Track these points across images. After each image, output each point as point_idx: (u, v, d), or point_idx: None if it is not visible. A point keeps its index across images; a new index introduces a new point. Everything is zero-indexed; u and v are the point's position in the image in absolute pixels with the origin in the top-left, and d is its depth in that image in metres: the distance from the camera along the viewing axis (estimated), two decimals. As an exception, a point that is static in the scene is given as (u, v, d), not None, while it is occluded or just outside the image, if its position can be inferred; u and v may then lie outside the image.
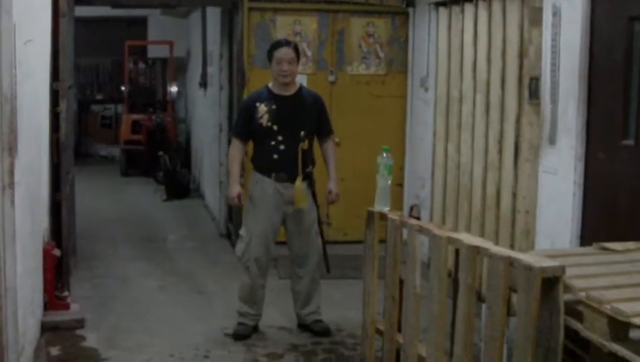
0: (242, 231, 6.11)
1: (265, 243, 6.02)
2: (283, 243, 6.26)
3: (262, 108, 5.92)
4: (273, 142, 5.89)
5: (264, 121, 5.90)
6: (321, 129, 6.10)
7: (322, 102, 6.19)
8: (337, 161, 6.26)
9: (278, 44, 6.02)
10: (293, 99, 6.00)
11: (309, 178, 5.98)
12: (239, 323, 6.08)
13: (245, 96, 6.32)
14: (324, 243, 6.16)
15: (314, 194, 6.07)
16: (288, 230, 6.11)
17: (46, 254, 5.91)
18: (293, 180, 5.90)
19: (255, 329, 6.13)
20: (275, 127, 5.90)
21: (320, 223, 6.18)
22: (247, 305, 6.09)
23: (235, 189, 6.00)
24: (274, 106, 5.92)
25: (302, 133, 5.88)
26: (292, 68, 5.95)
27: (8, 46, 4.28)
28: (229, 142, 9.24)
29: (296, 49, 6.03)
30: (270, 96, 5.98)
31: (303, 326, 6.17)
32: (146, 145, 15.01)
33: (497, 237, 6.50)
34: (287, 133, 5.89)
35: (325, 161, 6.19)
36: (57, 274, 6.20)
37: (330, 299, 6.73)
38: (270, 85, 6.06)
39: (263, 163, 5.99)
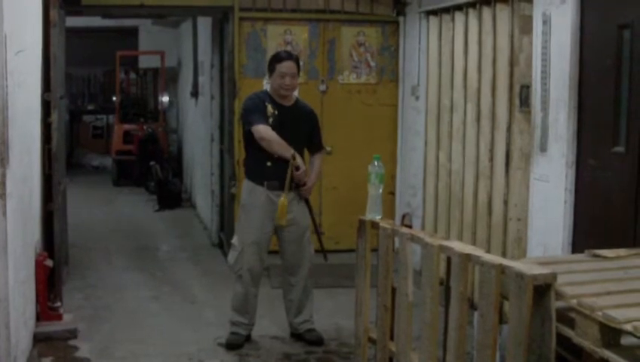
0: (234, 240, 6.10)
1: (258, 252, 6.01)
2: (275, 252, 6.27)
3: (269, 109, 5.92)
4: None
5: (269, 123, 5.89)
6: (313, 144, 6.16)
7: (317, 117, 6.25)
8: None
9: (280, 57, 6.01)
10: (292, 110, 6.01)
11: (298, 187, 5.99)
12: (232, 333, 6.07)
13: (251, 93, 6.26)
14: (320, 239, 6.26)
15: (307, 203, 6.08)
16: (280, 238, 6.10)
17: (38, 265, 5.90)
18: (283, 189, 5.89)
19: (248, 338, 6.12)
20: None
21: (317, 229, 6.23)
22: (240, 315, 6.09)
23: (291, 150, 5.84)
24: (276, 112, 5.92)
25: (293, 144, 5.88)
26: (294, 82, 5.97)
27: (-1, 57, 4.29)
28: (221, 153, 9.30)
29: (297, 62, 6.05)
30: (272, 102, 5.97)
31: (296, 336, 6.17)
32: (137, 156, 15.00)
33: (489, 244, 6.52)
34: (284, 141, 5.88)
35: (310, 165, 6.20)
36: (49, 285, 6.18)
37: (323, 307, 6.74)
38: (269, 92, 6.07)
39: (255, 170, 5.98)
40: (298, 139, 5.97)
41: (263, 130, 5.82)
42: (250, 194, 6.01)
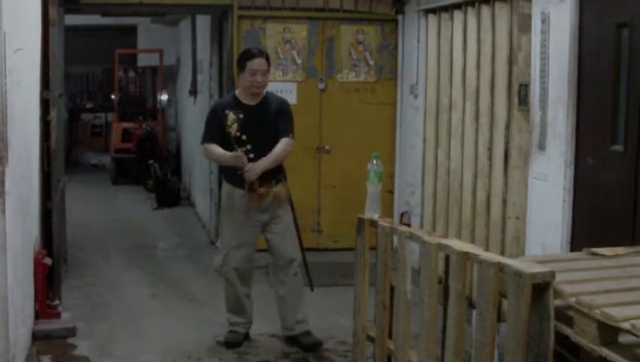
0: (219, 243, 6.08)
1: (245, 253, 5.99)
2: (263, 250, 6.26)
3: (231, 116, 5.82)
4: (242, 151, 5.78)
5: (233, 130, 5.80)
6: (278, 129, 5.91)
7: (285, 106, 6.03)
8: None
9: (251, 54, 5.91)
10: (260, 107, 5.92)
11: (280, 182, 5.94)
12: (230, 331, 6.07)
13: (212, 104, 6.23)
14: (306, 260, 6.12)
15: (292, 207, 6.04)
16: (266, 236, 6.05)
17: (37, 263, 5.91)
18: (264, 186, 5.82)
19: (246, 336, 6.12)
20: (243, 137, 5.81)
21: (299, 235, 6.10)
22: (236, 315, 6.08)
23: (235, 154, 5.74)
24: (242, 115, 5.83)
25: (270, 141, 5.83)
26: (265, 79, 5.89)
27: (-2, 55, 4.29)
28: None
29: (268, 59, 5.97)
30: (237, 105, 5.90)
31: (292, 339, 6.04)
32: (136, 154, 15.01)
33: (488, 243, 6.52)
34: (255, 142, 5.81)
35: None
36: (48, 283, 6.19)
37: (321, 306, 6.74)
38: (237, 93, 6.02)
39: (233, 173, 5.88)
40: (269, 135, 5.86)
41: (207, 150, 5.98)
42: (230, 197, 5.97)
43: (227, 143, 5.84)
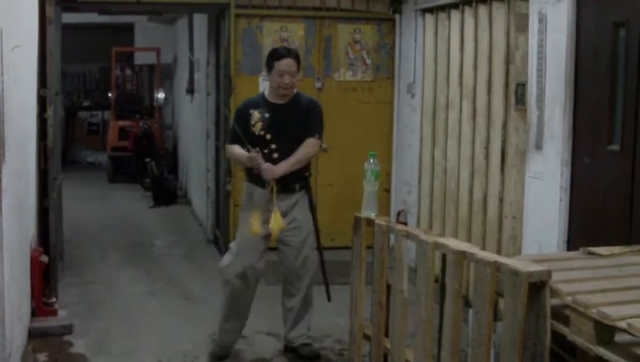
0: (232, 244, 5.88)
1: (254, 256, 5.74)
2: (272, 248, 6.17)
3: (255, 115, 5.68)
4: (266, 151, 5.61)
5: (257, 129, 5.66)
6: (305, 129, 5.74)
7: (314, 105, 5.89)
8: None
9: (279, 54, 5.74)
10: (288, 107, 5.76)
11: (303, 188, 5.80)
12: (226, 332, 5.92)
13: (239, 104, 6.13)
14: (324, 266, 5.93)
15: (311, 204, 5.86)
16: (281, 242, 5.80)
17: (33, 260, 5.90)
18: (287, 191, 5.68)
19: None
20: (268, 136, 5.66)
21: (319, 241, 5.93)
22: (229, 323, 5.84)
23: (249, 155, 5.56)
24: (267, 114, 5.69)
25: (296, 140, 5.66)
26: (293, 80, 5.73)
27: (-4, 52, 4.29)
28: (217, 150, 9.30)
29: (297, 58, 5.81)
30: (264, 104, 5.76)
31: (290, 350, 5.89)
32: (133, 152, 15.01)
33: (484, 242, 6.52)
34: (280, 141, 5.65)
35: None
36: (45, 281, 6.19)
37: (318, 304, 6.73)
38: (266, 93, 5.87)
39: (253, 172, 5.69)
40: (295, 134, 5.69)
41: (228, 150, 5.98)
42: (249, 197, 5.79)
43: (251, 143, 5.63)
